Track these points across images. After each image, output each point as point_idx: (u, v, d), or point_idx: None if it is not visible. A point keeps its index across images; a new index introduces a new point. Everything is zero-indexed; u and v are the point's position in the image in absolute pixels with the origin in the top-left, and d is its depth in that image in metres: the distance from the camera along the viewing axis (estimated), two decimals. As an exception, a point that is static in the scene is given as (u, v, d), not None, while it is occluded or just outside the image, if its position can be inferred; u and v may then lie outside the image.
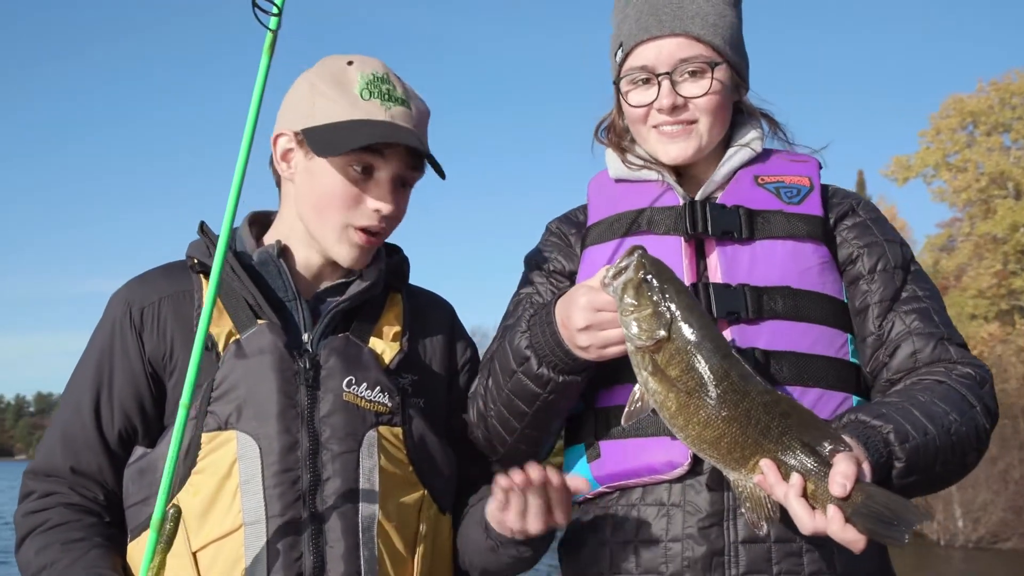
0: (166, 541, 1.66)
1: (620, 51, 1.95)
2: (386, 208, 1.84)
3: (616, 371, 1.75)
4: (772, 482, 1.50)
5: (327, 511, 1.74)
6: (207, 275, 1.85)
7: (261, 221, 2.01)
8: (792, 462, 1.49)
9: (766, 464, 1.50)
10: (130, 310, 1.86)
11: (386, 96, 1.83)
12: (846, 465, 1.45)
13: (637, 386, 1.62)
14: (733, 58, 1.92)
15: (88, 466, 1.83)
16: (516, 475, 1.64)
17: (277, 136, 1.91)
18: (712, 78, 1.87)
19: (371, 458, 1.78)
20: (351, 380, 1.81)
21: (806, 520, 1.47)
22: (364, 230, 1.85)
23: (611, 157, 2.02)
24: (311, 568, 1.72)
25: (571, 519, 1.88)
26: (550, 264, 2.02)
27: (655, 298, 1.57)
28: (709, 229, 1.84)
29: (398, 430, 1.84)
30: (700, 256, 1.86)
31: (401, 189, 1.89)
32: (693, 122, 1.90)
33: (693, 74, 1.88)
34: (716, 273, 1.83)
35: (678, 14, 1.88)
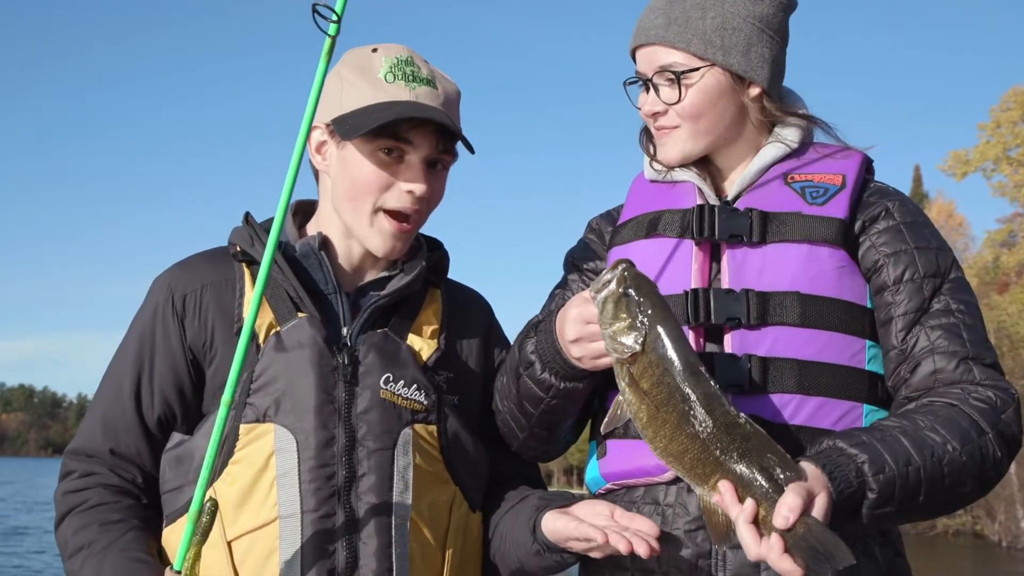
0: (202, 533, 1.66)
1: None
2: (418, 189, 1.83)
3: None
4: (728, 503, 1.51)
5: (361, 507, 1.75)
6: (248, 264, 1.87)
7: (305, 210, 2.01)
8: (747, 485, 1.51)
9: (724, 485, 1.52)
10: (172, 296, 1.87)
11: (410, 77, 1.84)
12: (792, 497, 1.45)
13: (618, 395, 1.66)
14: (724, 60, 1.89)
15: (127, 449, 1.85)
16: (632, 547, 1.63)
17: (311, 130, 1.91)
18: (682, 84, 1.87)
19: (406, 456, 1.79)
20: (389, 377, 1.81)
21: (752, 546, 1.48)
22: (396, 215, 1.85)
23: (647, 158, 2.04)
24: (344, 563, 1.73)
25: None
26: (585, 263, 2.04)
27: (632, 312, 1.60)
28: (717, 233, 1.84)
29: (433, 428, 1.84)
30: (717, 260, 1.86)
31: (433, 171, 1.88)
32: (675, 127, 1.91)
33: (671, 80, 1.89)
34: (725, 278, 1.83)
35: (660, 22, 1.90)
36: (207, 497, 1.67)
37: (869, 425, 1.72)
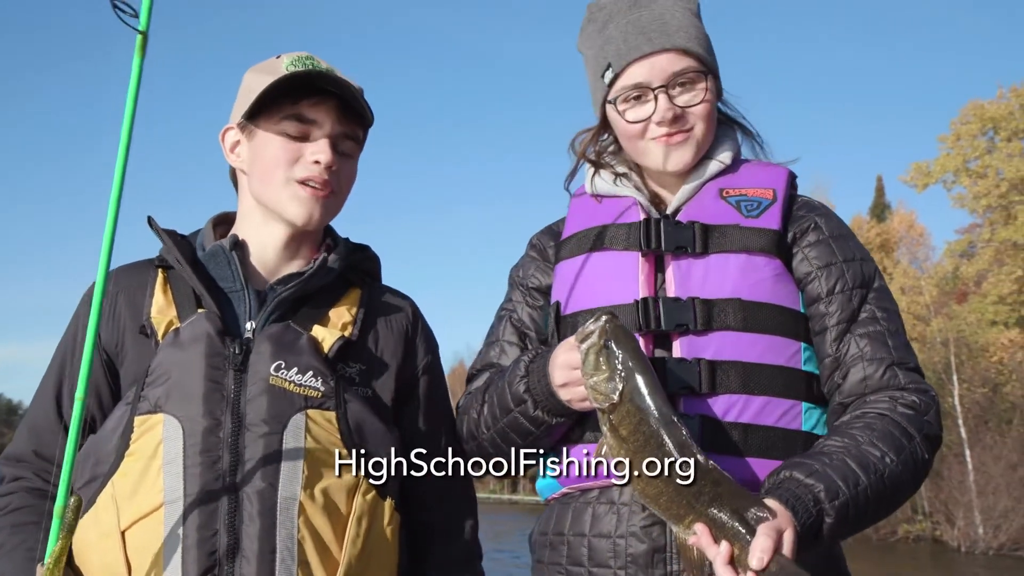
0: (68, 529, 1.70)
1: (609, 71, 2.03)
2: (324, 158, 1.91)
3: None
4: (704, 544, 1.62)
5: (246, 490, 1.77)
6: (165, 268, 1.95)
7: (231, 220, 2.08)
8: (722, 527, 1.62)
9: (700, 527, 1.63)
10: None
11: (309, 65, 1.94)
12: (764, 539, 1.56)
13: (602, 436, 1.75)
14: (714, 67, 2.03)
15: (49, 450, 1.90)
16: None
17: (224, 132, 2.01)
18: (705, 87, 1.99)
19: (296, 440, 1.82)
20: (280, 364, 1.84)
21: None
22: (307, 183, 1.94)
23: (589, 172, 2.14)
24: (225, 546, 1.74)
25: (541, 515, 2.06)
26: (528, 281, 2.15)
27: (612, 364, 1.70)
28: (663, 245, 1.95)
29: (331, 414, 1.86)
30: (661, 271, 1.97)
31: (339, 155, 1.97)
32: (690, 129, 2.00)
33: (685, 85, 1.98)
34: (671, 287, 1.93)
35: (664, 30, 1.99)
36: (73, 496, 1.71)
37: (815, 447, 1.83)
